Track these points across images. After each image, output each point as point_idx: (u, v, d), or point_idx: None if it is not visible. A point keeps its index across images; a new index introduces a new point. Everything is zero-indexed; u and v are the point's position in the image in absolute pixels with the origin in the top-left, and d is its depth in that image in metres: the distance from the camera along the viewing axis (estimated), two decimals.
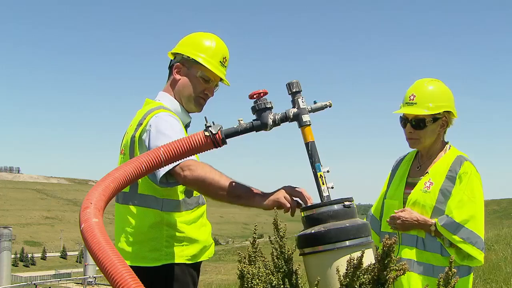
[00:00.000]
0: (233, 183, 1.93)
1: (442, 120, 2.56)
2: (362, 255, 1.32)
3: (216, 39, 2.35)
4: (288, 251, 1.46)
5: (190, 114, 2.40)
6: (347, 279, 1.31)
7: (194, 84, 2.33)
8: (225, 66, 2.37)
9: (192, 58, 2.29)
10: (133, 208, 2.19)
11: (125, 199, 2.22)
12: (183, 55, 2.31)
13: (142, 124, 2.17)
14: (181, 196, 2.20)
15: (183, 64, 2.33)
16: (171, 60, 2.39)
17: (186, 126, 2.36)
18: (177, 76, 2.34)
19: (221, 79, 2.37)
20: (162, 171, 2.00)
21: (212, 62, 2.30)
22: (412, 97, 2.56)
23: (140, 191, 2.18)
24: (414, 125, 2.56)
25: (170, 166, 1.96)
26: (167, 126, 2.11)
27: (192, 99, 2.34)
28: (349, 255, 1.39)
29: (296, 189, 1.86)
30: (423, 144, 2.61)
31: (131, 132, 2.22)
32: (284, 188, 1.88)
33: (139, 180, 2.15)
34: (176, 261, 2.17)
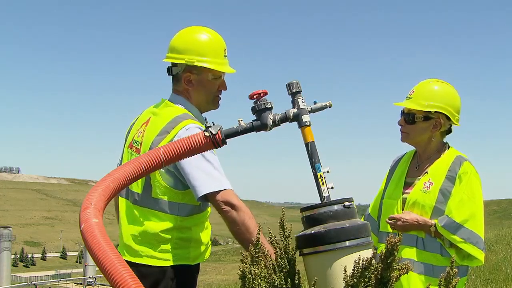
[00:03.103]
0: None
1: (435, 120, 2.55)
2: (372, 256, 1.33)
3: (212, 34, 2.31)
4: (292, 251, 1.47)
5: (206, 112, 2.40)
6: (354, 279, 1.31)
7: (209, 87, 2.32)
8: (227, 55, 2.34)
9: (201, 66, 2.24)
10: (147, 211, 2.20)
11: (138, 201, 2.22)
12: (187, 64, 2.26)
13: (169, 133, 2.15)
14: (198, 202, 2.20)
15: (191, 72, 2.28)
16: (172, 66, 2.32)
17: None
18: (190, 87, 2.30)
19: None
20: (201, 192, 2.08)
21: (219, 61, 2.28)
22: (411, 92, 2.60)
23: (154, 195, 2.18)
24: (405, 119, 2.59)
25: (212, 188, 2.07)
26: None
27: (211, 101, 2.36)
28: (349, 256, 1.39)
29: None
30: (413, 140, 2.62)
31: (153, 136, 2.19)
32: None
33: (153, 183, 2.17)
34: (183, 262, 2.20)
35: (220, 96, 2.38)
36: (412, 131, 2.59)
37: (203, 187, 2.08)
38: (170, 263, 2.16)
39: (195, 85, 2.30)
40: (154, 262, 2.16)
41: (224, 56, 2.31)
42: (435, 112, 2.52)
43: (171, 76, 2.36)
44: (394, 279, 1.32)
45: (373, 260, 1.33)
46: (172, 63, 2.31)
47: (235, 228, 2.08)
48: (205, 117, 1.81)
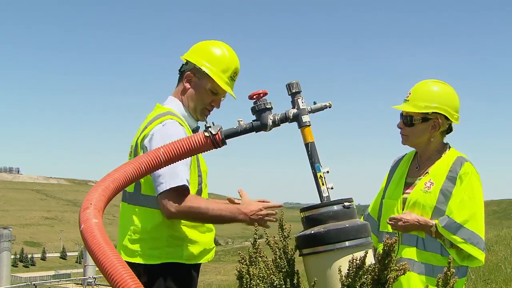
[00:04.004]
0: (215, 212, 2.17)
1: (433, 121, 2.55)
2: (365, 255, 1.33)
3: (230, 52, 2.37)
4: (291, 251, 1.47)
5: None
6: (349, 279, 1.31)
7: (202, 96, 2.36)
8: (235, 80, 2.39)
9: (204, 71, 2.31)
10: (137, 208, 2.25)
11: (130, 199, 2.28)
12: (195, 64, 2.33)
13: (146, 128, 2.23)
14: None
15: (194, 74, 2.34)
16: (183, 64, 2.40)
17: (194, 130, 2.39)
18: (187, 85, 2.36)
19: None
20: (161, 189, 2.11)
21: (223, 77, 2.32)
22: (408, 94, 2.60)
23: (143, 192, 2.23)
24: (404, 121, 2.60)
25: (169, 185, 2.09)
26: (170, 135, 2.14)
27: (199, 110, 2.39)
28: (349, 256, 1.39)
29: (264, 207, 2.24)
30: (413, 142, 2.63)
31: (137, 136, 2.29)
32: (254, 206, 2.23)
33: (142, 181, 2.21)
34: (176, 260, 2.20)
35: (209, 110, 2.42)
36: (412, 133, 2.59)
37: (160, 186, 2.14)
38: (161, 261, 2.18)
39: (192, 87, 2.36)
40: (146, 260, 2.18)
41: (230, 76, 2.36)
42: (433, 112, 2.53)
43: (179, 75, 2.43)
44: (392, 280, 1.32)
45: (367, 259, 1.33)
46: (184, 62, 2.39)
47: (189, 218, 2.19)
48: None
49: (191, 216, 2.14)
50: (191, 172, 2.21)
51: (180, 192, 2.11)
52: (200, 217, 2.15)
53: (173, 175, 2.07)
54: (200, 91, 2.35)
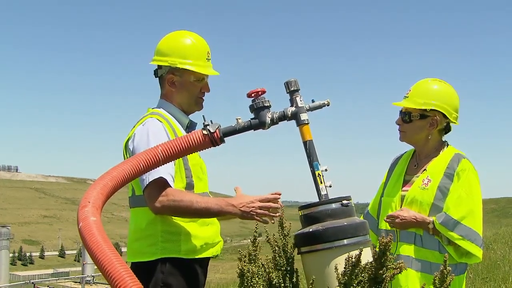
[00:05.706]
0: (201, 205, 2.10)
1: (431, 118, 2.55)
2: (360, 253, 1.33)
3: (195, 38, 2.37)
4: (291, 249, 1.47)
5: (191, 113, 2.45)
6: (345, 277, 1.31)
7: (191, 89, 2.37)
8: (210, 59, 2.40)
9: (183, 68, 2.31)
10: (135, 210, 2.29)
11: (130, 203, 2.31)
12: (170, 66, 2.33)
13: (131, 131, 2.28)
14: None
15: (174, 74, 2.34)
16: (157, 69, 2.40)
17: (187, 127, 2.39)
18: (173, 88, 2.37)
19: None
20: (143, 185, 2.12)
21: (201, 63, 2.33)
22: (408, 91, 2.61)
23: (137, 193, 2.25)
24: (403, 118, 2.62)
25: (148, 180, 2.08)
26: (150, 134, 2.18)
27: (193, 102, 2.40)
28: (347, 254, 1.39)
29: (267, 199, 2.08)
30: (410, 139, 2.64)
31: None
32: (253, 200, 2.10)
33: (134, 182, 2.21)
34: (172, 255, 2.20)
35: (203, 98, 2.43)
36: (409, 129, 2.60)
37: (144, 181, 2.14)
38: (157, 256, 2.18)
39: (177, 87, 2.36)
40: (145, 258, 2.19)
41: (206, 59, 2.37)
42: (431, 110, 2.53)
43: (158, 79, 2.43)
44: (388, 278, 1.32)
45: (364, 257, 1.33)
46: (157, 65, 2.39)
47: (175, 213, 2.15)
48: (203, 115, 1.81)
49: (176, 209, 2.11)
50: (176, 165, 2.21)
51: (161, 185, 2.10)
52: (185, 210, 2.11)
53: (153, 170, 2.04)
54: (187, 87, 2.36)
